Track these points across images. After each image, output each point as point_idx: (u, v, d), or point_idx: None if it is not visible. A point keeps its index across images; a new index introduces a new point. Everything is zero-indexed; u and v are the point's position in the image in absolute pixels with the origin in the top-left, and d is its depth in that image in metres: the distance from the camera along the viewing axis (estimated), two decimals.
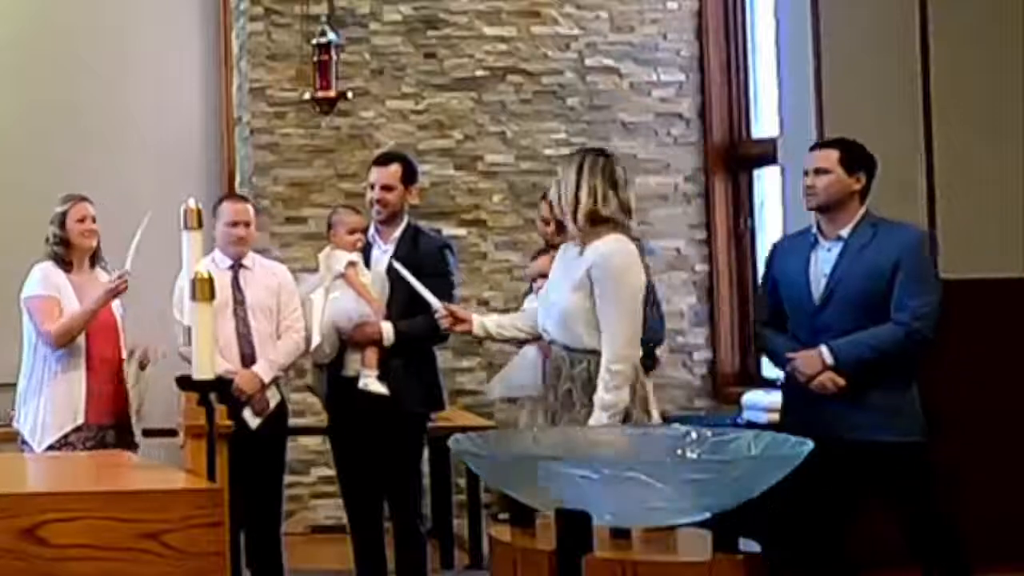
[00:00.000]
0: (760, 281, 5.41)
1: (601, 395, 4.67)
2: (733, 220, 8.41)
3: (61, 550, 3.37)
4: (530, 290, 5.93)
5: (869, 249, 4.90)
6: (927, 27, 6.41)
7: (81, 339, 5.69)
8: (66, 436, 5.62)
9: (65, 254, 5.80)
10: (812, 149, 5.16)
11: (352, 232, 5.90)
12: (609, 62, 8.41)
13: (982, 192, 6.36)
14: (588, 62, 8.40)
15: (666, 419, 6.96)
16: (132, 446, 5.64)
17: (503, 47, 8.34)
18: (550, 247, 5.68)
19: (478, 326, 5.20)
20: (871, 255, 4.89)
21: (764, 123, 8.30)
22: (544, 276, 5.47)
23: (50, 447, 5.59)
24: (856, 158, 5.00)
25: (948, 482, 6.10)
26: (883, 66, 6.42)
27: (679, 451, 4.10)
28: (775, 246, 5.39)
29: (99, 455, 5.19)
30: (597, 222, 4.77)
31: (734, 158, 8.45)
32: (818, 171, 4.99)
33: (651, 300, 5.39)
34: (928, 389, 6.09)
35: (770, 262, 5.29)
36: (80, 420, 5.65)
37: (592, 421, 4.67)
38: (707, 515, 3.81)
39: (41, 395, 5.69)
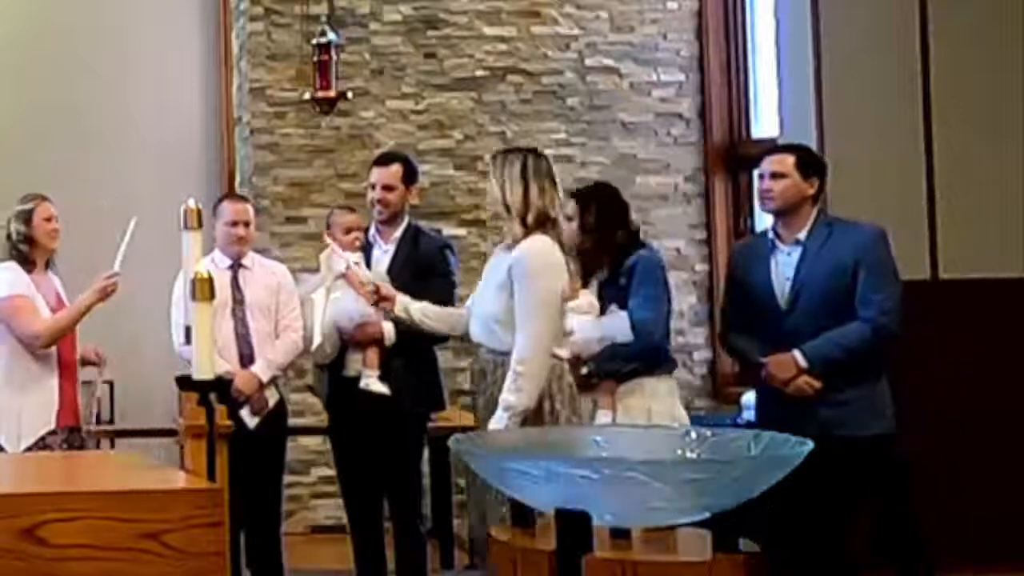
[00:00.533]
0: (724, 287, 5.44)
1: (503, 395, 4.64)
2: (733, 220, 8.41)
3: (61, 550, 3.36)
4: None
5: (827, 249, 4.97)
6: (927, 27, 6.42)
7: (54, 349, 5.64)
8: (42, 439, 5.59)
9: (29, 253, 5.70)
10: (767, 154, 5.20)
11: (348, 232, 5.90)
12: (609, 62, 8.41)
13: (982, 192, 6.36)
14: (588, 62, 8.40)
15: None
16: (83, 448, 5.64)
17: (503, 47, 8.34)
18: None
19: (400, 307, 5.19)
20: (830, 255, 4.96)
21: (764, 123, 8.31)
22: None
23: (27, 450, 5.54)
24: (811, 163, 5.08)
25: (947, 482, 6.12)
26: (883, 66, 6.42)
27: (679, 451, 4.10)
28: (735, 252, 5.44)
29: (99, 455, 5.19)
30: (545, 222, 4.74)
31: (734, 158, 8.45)
32: (774, 175, 5.04)
33: (648, 296, 5.37)
34: (928, 389, 6.12)
35: (732, 269, 5.35)
36: (54, 424, 5.62)
37: (492, 422, 4.65)
38: (707, 515, 3.82)
39: (17, 399, 5.59)
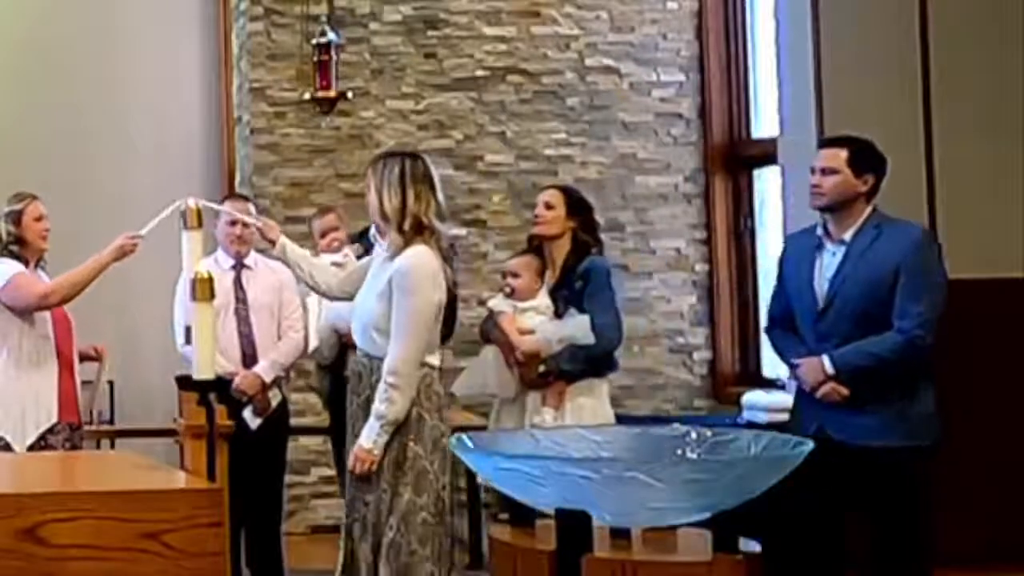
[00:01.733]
0: (776, 279, 5.33)
1: (375, 405, 4.67)
2: (733, 220, 8.41)
3: (61, 550, 3.37)
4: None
5: (871, 253, 4.80)
6: (927, 27, 6.42)
7: (51, 334, 5.63)
8: (43, 436, 5.57)
9: (20, 253, 5.64)
10: (821, 146, 5.03)
11: (324, 235, 5.90)
12: (609, 62, 8.41)
13: (982, 192, 6.36)
14: (588, 62, 8.40)
15: (666, 419, 6.99)
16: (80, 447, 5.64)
17: (503, 47, 8.34)
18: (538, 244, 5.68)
19: (279, 247, 5.19)
20: (872, 260, 4.79)
21: (764, 123, 8.30)
22: (515, 276, 5.54)
23: (30, 448, 5.53)
24: (866, 159, 4.87)
25: (947, 480, 6.11)
26: (883, 66, 6.42)
27: (679, 451, 4.11)
28: (786, 242, 5.32)
29: (99, 455, 5.19)
30: (422, 228, 4.75)
31: (734, 158, 8.45)
32: (825, 171, 4.85)
33: (607, 301, 5.45)
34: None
35: (781, 261, 5.18)
36: (54, 419, 5.60)
37: (364, 431, 4.68)
38: (707, 515, 3.82)
39: (17, 393, 5.56)
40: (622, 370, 6.08)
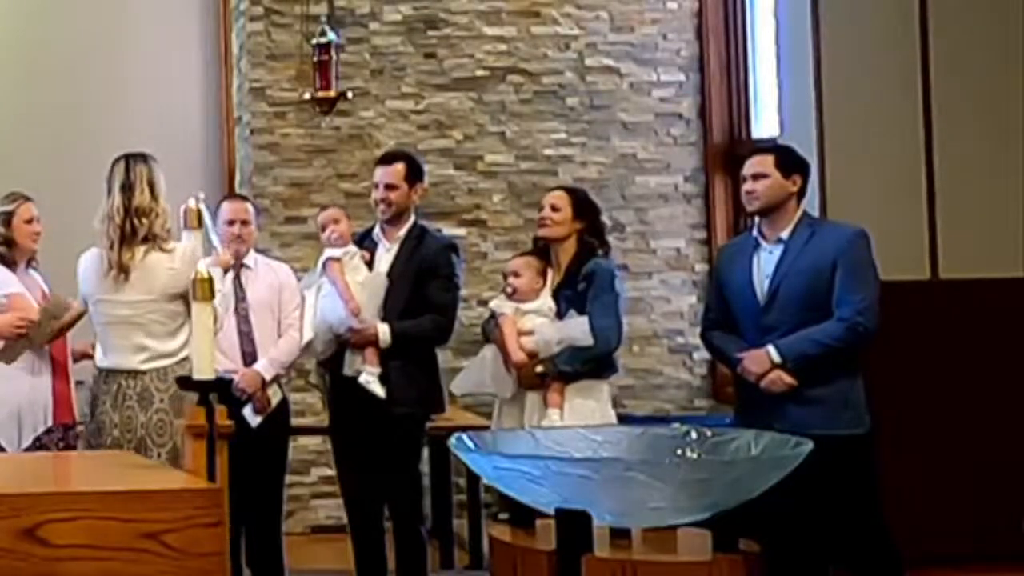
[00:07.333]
0: (708, 286, 5.52)
1: None
2: (733, 220, 8.41)
3: (61, 550, 3.37)
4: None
5: (808, 249, 5.01)
6: (927, 27, 6.42)
7: None
8: (39, 438, 5.57)
9: (9, 254, 5.68)
10: (748, 156, 5.29)
11: (324, 229, 5.92)
12: (609, 62, 8.41)
13: (982, 192, 6.37)
14: (588, 62, 8.40)
15: (666, 419, 7.00)
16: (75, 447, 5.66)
17: (503, 47, 8.34)
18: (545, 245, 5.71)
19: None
20: (811, 255, 5.00)
21: (764, 123, 8.30)
22: (516, 275, 5.58)
23: (24, 449, 5.52)
24: (791, 161, 5.14)
25: (948, 480, 6.12)
26: (883, 66, 6.43)
27: (679, 451, 4.12)
28: (720, 251, 5.51)
29: (99, 455, 5.18)
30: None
31: (734, 158, 8.44)
32: (756, 176, 5.12)
33: (608, 303, 5.48)
34: (927, 388, 6.11)
35: (716, 267, 5.41)
36: (50, 422, 5.59)
37: None
38: (707, 515, 3.83)
39: (12, 398, 5.55)
40: (622, 370, 6.09)
